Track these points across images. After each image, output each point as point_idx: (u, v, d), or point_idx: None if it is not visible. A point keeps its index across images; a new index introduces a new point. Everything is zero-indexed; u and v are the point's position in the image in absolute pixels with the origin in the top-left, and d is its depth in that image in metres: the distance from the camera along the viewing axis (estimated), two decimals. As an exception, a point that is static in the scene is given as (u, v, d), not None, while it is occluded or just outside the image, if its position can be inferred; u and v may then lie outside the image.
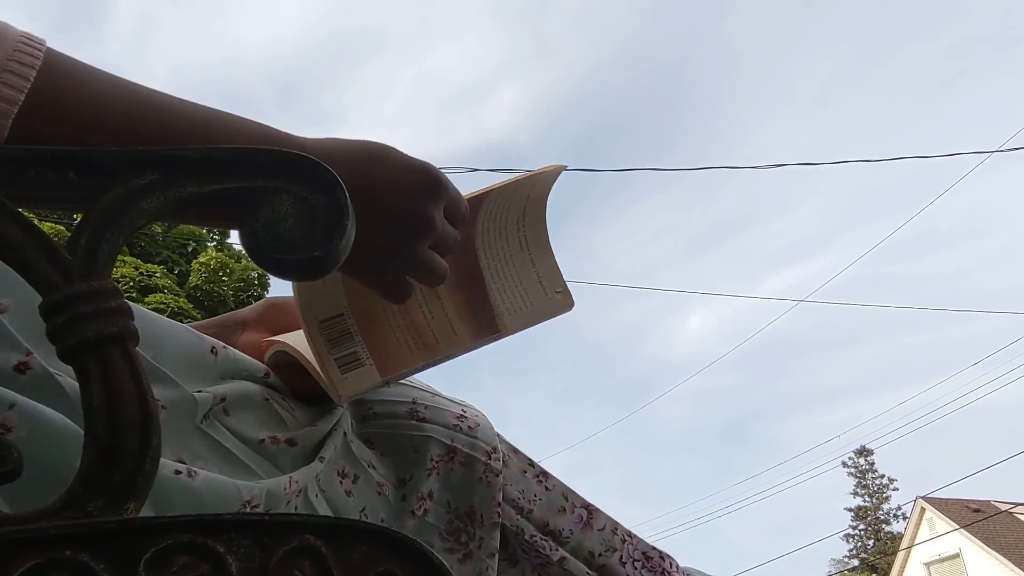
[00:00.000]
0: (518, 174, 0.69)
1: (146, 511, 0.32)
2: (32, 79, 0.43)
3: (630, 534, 0.78)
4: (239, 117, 0.52)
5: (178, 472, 0.50)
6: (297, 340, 0.68)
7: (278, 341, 0.69)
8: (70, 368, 0.49)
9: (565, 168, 0.71)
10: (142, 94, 0.50)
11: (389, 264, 0.55)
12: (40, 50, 0.44)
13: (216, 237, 11.79)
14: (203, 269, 10.68)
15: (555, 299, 0.75)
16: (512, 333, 0.72)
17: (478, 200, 0.66)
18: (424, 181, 0.56)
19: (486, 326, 0.71)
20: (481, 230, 0.69)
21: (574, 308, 0.75)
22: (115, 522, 0.30)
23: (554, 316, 0.75)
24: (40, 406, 0.46)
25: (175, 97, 0.51)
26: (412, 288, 0.59)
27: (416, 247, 0.55)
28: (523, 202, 0.71)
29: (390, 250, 0.55)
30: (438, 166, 0.59)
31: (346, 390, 0.64)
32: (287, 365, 0.68)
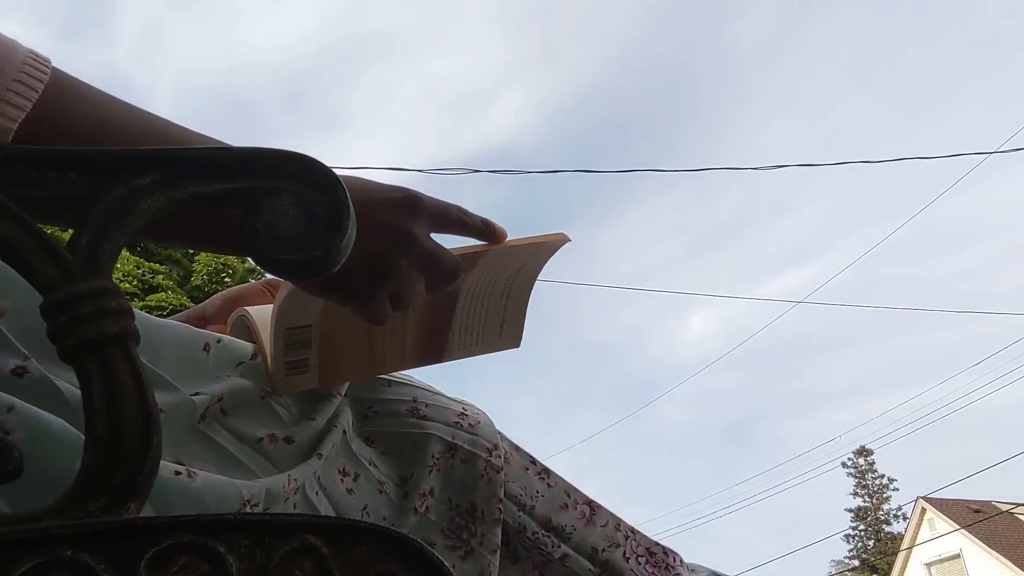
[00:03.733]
0: (522, 238, 0.68)
1: (146, 512, 0.32)
2: (37, 95, 0.44)
3: (633, 530, 0.78)
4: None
5: (177, 473, 0.50)
6: (261, 313, 0.69)
7: (247, 312, 0.70)
8: (67, 373, 0.50)
9: (568, 240, 0.70)
10: (143, 117, 0.51)
11: (376, 285, 0.56)
12: (46, 68, 0.45)
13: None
14: (205, 270, 10.68)
15: (504, 340, 0.76)
16: (448, 361, 0.73)
17: (476, 255, 0.66)
18: (400, 198, 0.56)
19: (432, 354, 0.72)
20: (471, 279, 0.68)
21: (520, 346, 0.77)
22: (115, 522, 0.30)
23: (493, 352, 0.76)
24: (38, 410, 0.46)
25: (175, 123, 0.52)
26: (390, 311, 0.58)
27: (401, 263, 0.55)
28: (521, 263, 0.71)
29: (378, 269, 0.55)
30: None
31: (282, 388, 0.65)
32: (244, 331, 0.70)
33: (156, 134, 0.51)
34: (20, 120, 0.43)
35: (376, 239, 0.54)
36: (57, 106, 0.46)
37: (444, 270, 0.58)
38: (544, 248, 0.70)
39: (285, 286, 0.61)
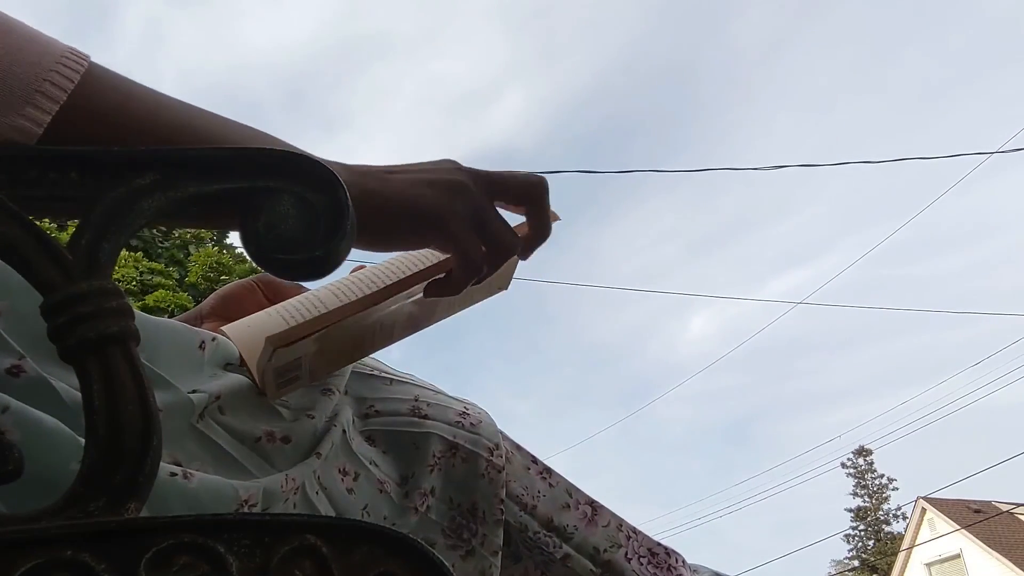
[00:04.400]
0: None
1: (144, 513, 0.32)
2: (67, 95, 0.43)
3: (635, 530, 0.78)
4: (285, 144, 0.52)
5: (173, 474, 0.50)
6: (240, 331, 0.68)
7: (225, 332, 0.69)
8: (64, 373, 0.49)
9: (558, 219, 0.69)
10: (188, 111, 0.50)
11: (445, 214, 0.55)
12: (82, 65, 0.44)
13: (215, 236, 11.78)
14: (200, 269, 10.70)
15: (493, 288, 0.73)
16: (433, 324, 0.72)
17: None
18: (441, 159, 0.57)
19: (419, 324, 0.71)
20: None
21: (503, 292, 0.75)
22: (116, 522, 0.30)
23: (481, 301, 0.74)
24: (34, 410, 0.46)
25: (221, 116, 0.51)
26: (480, 248, 0.57)
27: (464, 182, 0.55)
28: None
29: (448, 187, 0.55)
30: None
31: (272, 397, 0.64)
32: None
33: (208, 130, 0.50)
34: (46, 124, 0.42)
35: (425, 173, 0.55)
36: (97, 103, 0.44)
37: (519, 183, 0.58)
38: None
39: (271, 335, 0.59)
